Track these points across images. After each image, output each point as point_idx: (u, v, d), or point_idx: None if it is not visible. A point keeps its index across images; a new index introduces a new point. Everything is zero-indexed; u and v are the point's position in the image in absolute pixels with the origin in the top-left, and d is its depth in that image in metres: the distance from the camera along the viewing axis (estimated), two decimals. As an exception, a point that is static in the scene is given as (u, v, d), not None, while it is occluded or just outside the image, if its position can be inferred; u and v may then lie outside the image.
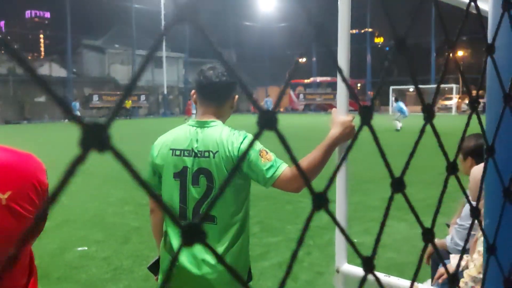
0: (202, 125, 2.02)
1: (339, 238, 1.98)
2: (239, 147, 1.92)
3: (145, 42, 39.71)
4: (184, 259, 1.96)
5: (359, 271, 1.97)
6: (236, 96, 2.11)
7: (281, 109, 48.22)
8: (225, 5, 45.97)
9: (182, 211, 1.99)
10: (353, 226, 5.39)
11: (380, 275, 1.92)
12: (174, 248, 2.02)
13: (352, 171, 1.80)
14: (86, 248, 4.97)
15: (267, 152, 1.93)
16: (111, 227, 5.79)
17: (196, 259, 1.96)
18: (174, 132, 2.10)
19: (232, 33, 47.75)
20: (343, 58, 1.83)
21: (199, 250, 1.96)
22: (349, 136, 1.85)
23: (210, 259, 1.95)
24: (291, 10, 48.62)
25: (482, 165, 2.58)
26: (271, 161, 1.90)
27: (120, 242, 5.20)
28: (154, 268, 2.22)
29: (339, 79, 1.89)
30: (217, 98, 2.05)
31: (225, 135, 1.96)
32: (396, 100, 21.43)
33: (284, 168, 1.90)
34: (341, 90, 1.88)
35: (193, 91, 2.10)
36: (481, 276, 2.24)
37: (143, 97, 39.45)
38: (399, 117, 20.24)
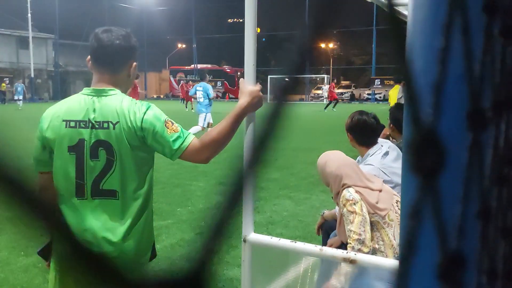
0: (99, 93, 1.85)
1: (246, 208, 2.00)
2: (143, 118, 1.81)
3: (7, 20, 35.96)
4: (82, 238, 1.82)
5: (265, 239, 2.01)
6: (134, 64, 1.97)
7: (161, 96, 47.26)
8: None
9: (79, 187, 1.83)
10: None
11: (287, 241, 1.98)
12: (69, 226, 1.85)
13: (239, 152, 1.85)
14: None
15: (172, 123, 1.85)
16: (-21, 219, 5.19)
17: (95, 238, 1.82)
18: (66, 102, 1.90)
19: (107, 14, 45.21)
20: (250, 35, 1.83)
21: (98, 227, 1.82)
22: (257, 106, 1.86)
23: (112, 236, 1.82)
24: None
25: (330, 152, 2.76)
26: (178, 132, 1.83)
27: (-8, 234, 4.70)
28: (45, 252, 2.02)
29: (246, 47, 1.89)
30: (110, 63, 1.90)
31: (126, 105, 1.83)
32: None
33: (191, 138, 1.84)
34: (248, 61, 1.89)
35: (88, 57, 1.93)
36: (362, 236, 2.39)
37: (7, 81, 35.61)
38: None
